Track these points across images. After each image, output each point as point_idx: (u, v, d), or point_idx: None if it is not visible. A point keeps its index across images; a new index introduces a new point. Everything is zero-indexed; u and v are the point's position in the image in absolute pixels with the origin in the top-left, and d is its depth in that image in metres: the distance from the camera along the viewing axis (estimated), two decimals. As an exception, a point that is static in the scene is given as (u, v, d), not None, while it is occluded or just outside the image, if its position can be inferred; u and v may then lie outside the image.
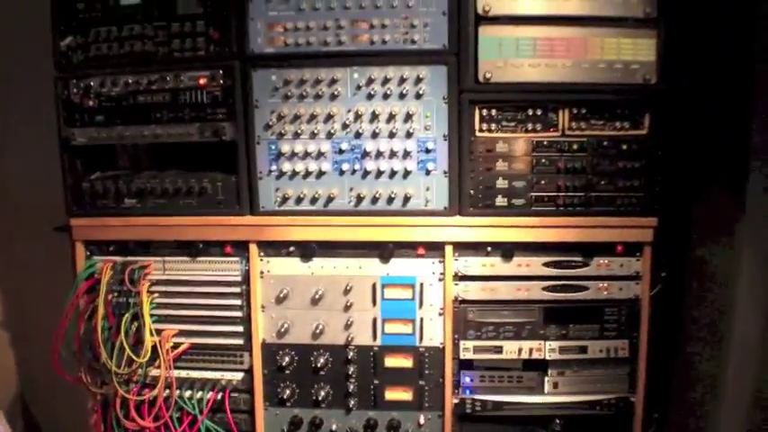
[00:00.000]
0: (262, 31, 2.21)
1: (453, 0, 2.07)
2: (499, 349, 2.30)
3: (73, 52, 2.34)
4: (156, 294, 2.39)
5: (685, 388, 2.43)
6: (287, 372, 2.33)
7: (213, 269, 2.35)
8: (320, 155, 2.23)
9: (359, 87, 2.17)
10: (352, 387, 2.30)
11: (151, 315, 2.35)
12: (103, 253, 2.43)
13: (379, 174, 2.22)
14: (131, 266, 2.35)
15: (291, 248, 2.29)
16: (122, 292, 2.36)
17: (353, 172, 2.23)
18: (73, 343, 2.37)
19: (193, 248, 2.34)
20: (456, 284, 2.24)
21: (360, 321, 2.29)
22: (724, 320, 2.24)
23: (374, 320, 2.28)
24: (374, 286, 2.27)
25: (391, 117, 2.17)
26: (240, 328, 2.35)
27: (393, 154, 2.19)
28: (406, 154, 2.19)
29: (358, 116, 2.18)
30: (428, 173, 2.21)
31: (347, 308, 2.30)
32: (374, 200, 2.23)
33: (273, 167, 2.25)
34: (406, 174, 2.21)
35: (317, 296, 2.29)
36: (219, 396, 2.35)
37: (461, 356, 2.26)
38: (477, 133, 2.20)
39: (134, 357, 2.29)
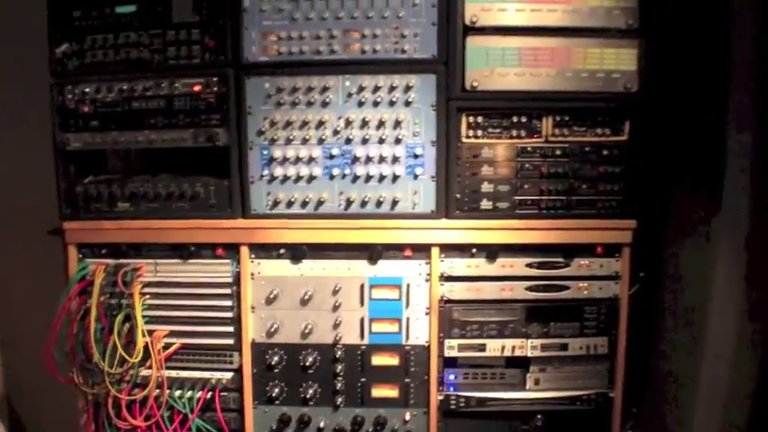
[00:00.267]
0: (256, 40, 2.32)
1: (442, 11, 2.20)
2: (483, 347, 2.42)
3: (68, 59, 2.43)
4: (148, 296, 2.49)
5: (662, 383, 2.58)
6: (276, 371, 2.41)
7: (204, 271, 2.43)
8: (311, 160, 2.33)
9: (350, 95, 2.28)
10: (339, 385, 2.40)
11: (143, 316, 2.44)
12: (96, 255, 2.52)
13: (369, 178, 2.32)
14: (124, 269, 2.45)
15: (282, 250, 2.38)
16: (115, 294, 2.45)
17: (343, 176, 2.33)
18: (65, 344, 2.46)
19: (185, 251, 2.42)
20: (442, 285, 2.35)
21: (348, 321, 2.39)
22: (700, 317, 2.38)
23: (362, 320, 2.38)
24: (362, 287, 2.36)
25: (381, 124, 2.28)
26: (230, 329, 2.43)
27: (382, 159, 2.30)
28: (395, 159, 2.30)
29: (349, 123, 2.29)
30: (416, 177, 2.32)
31: (336, 308, 2.39)
32: (363, 203, 2.33)
33: (265, 172, 2.34)
34: (395, 178, 2.32)
35: (306, 297, 2.38)
36: (210, 395, 2.43)
37: (446, 354, 2.37)
38: (464, 139, 2.33)
39: (127, 357, 2.39)
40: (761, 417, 2.19)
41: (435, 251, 2.33)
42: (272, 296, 2.42)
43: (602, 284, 2.42)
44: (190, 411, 2.47)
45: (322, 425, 2.43)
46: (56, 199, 2.52)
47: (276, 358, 2.47)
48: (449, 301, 2.39)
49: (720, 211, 2.27)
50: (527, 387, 2.46)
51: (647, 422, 2.67)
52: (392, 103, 2.28)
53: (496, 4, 2.30)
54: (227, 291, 2.47)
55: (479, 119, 2.35)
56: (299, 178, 2.37)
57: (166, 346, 2.48)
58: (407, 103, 2.27)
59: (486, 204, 2.36)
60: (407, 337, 2.40)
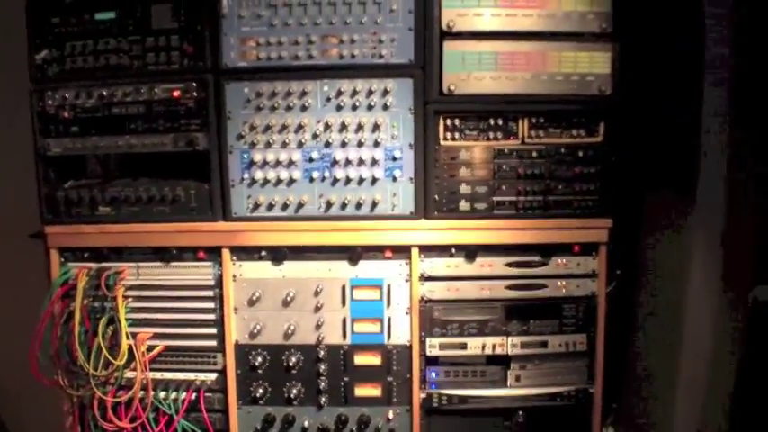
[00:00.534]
0: (235, 46, 2.42)
1: (419, 17, 2.30)
2: (464, 345, 2.52)
3: (48, 65, 2.52)
4: (131, 299, 2.60)
5: (641, 380, 2.71)
6: (259, 371, 2.50)
7: (187, 274, 2.52)
8: (291, 163, 2.42)
9: (328, 99, 2.38)
10: (323, 385, 2.49)
11: (126, 319, 2.55)
12: (78, 259, 2.62)
13: (348, 181, 2.42)
14: (107, 272, 2.55)
15: (263, 253, 2.47)
16: (98, 297, 2.55)
17: (323, 179, 2.43)
18: (49, 347, 2.57)
19: (167, 254, 2.51)
20: (422, 285, 2.45)
21: (330, 321, 2.49)
22: (676, 314, 2.50)
23: (344, 320, 2.48)
24: (343, 288, 2.46)
25: (359, 127, 2.38)
26: (213, 330, 2.52)
27: (361, 162, 2.40)
28: (374, 162, 2.39)
29: (327, 126, 2.38)
30: (395, 179, 2.42)
31: (317, 309, 2.49)
32: (343, 205, 2.43)
33: (245, 176, 2.44)
34: (374, 181, 2.42)
35: (288, 298, 2.47)
36: (194, 396, 2.52)
37: (428, 353, 2.48)
38: (442, 142, 2.44)
39: (112, 360, 2.49)
40: (739, 412, 2.32)
41: (415, 252, 2.43)
42: (254, 298, 2.51)
43: (580, 282, 2.54)
44: (175, 412, 2.57)
45: (306, 424, 2.52)
46: (36, 203, 2.63)
47: (260, 359, 2.58)
48: (429, 300, 2.49)
49: (695, 208, 2.38)
50: (508, 384, 2.57)
51: (627, 418, 2.81)
52: (370, 107, 2.37)
53: (472, 9, 2.41)
54: (210, 293, 2.57)
55: (456, 122, 2.47)
56: (279, 181, 2.45)
57: (150, 349, 2.58)
58: (385, 107, 2.36)
59: (464, 205, 2.47)
60: (389, 337, 2.49)
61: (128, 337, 2.53)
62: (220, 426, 2.55)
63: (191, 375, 2.59)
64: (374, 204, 2.43)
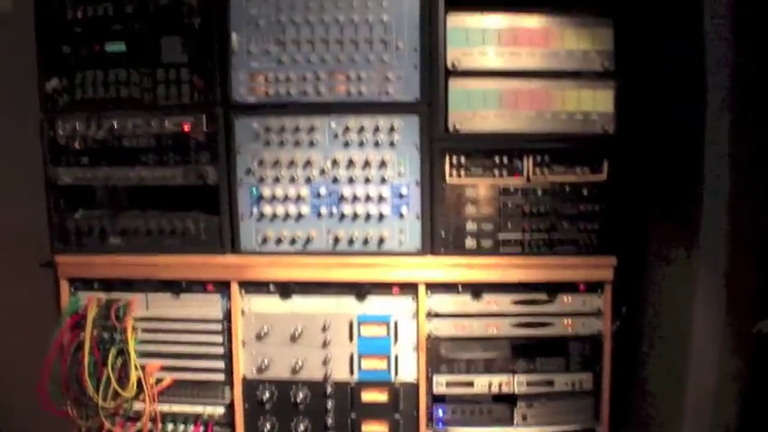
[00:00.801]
0: (244, 81, 2.51)
1: (425, 55, 2.39)
2: (470, 383, 2.56)
3: (58, 95, 2.63)
4: (140, 330, 2.69)
5: (647, 417, 2.78)
6: (267, 406, 2.55)
7: (195, 306, 2.59)
8: (299, 198, 2.51)
9: (336, 136, 2.47)
10: (330, 421, 2.51)
11: (135, 350, 2.64)
12: (88, 289, 2.72)
13: (356, 217, 2.50)
14: (117, 303, 2.65)
15: (271, 287, 2.52)
16: (107, 328, 2.64)
17: (331, 215, 2.51)
18: (58, 376, 2.65)
19: (176, 286, 2.57)
20: (429, 322, 2.49)
21: (337, 357, 2.53)
22: (681, 351, 2.56)
23: (351, 356, 2.53)
24: (351, 324, 2.51)
25: (366, 164, 2.47)
26: (221, 364, 2.57)
27: (368, 198, 2.47)
28: (381, 198, 2.47)
29: (335, 163, 2.47)
30: (401, 216, 2.50)
31: (325, 344, 2.53)
32: (350, 241, 2.52)
33: (254, 210, 2.54)
34: (381, 217, 2.50)
35: (296, 333, 2.53)
36: (202, 429, 2.56)
37: (435, 391, 2.51)
38: (448, 179, 2.53)
39: (120, 392, 2.57)
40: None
41: (422, 289, 2.47)
42: (262, 332, 2.56)
43: (586, 321, 2.61)
44: (182, 445, 2.59)
45: (312, 460, 2.60)
46: (42, 230, 2.75)
47: (267, 394, 2.63)
48: (436, 337, 2.52)
49: (699, 243, 2.45)
50: (515, 423, 2.62)
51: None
52: (377, 144, 2.46)
53: (477, 48, 2.52)
54: (218, 326, 2.64)
55: (462, 159, 2.56)
56: (287, 216, 2.55)
57: (159, 381, 2.67)
58: (392, 144, 2.46)
59: (470, 243, 2.55)
60: (396, 374, 2.53)
61: (137, 369, 2.61)
62: (228, 460, 2.60)
63: (198, 408, 2.63)
64: (381, 241, 2.52)
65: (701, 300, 2.47)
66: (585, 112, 2.49)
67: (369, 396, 2.57)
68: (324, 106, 2.45)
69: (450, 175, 2.52)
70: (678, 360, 2.54)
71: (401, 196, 2.47)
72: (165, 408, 2.68)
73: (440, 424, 2.65)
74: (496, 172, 2.49)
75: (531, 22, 2.53)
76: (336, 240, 2.52)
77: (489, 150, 2.46)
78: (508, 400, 2.65)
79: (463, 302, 2.62)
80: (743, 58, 2.25)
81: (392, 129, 2.44)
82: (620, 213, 2.58)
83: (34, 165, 2.74)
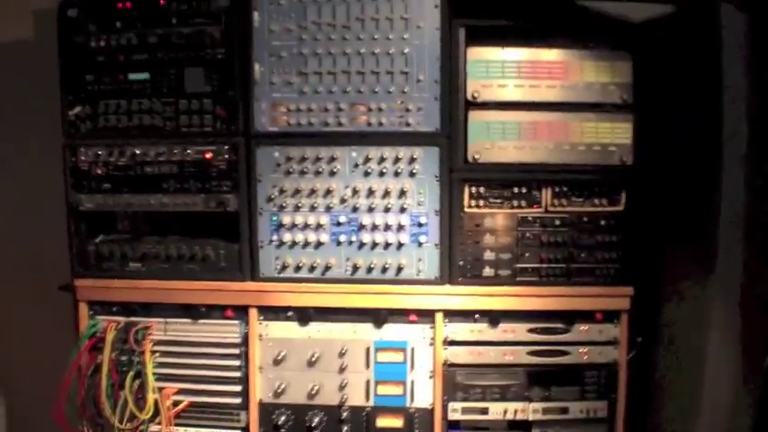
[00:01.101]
0: (266, 111, 2.58)
1: (445, 87, 2.48)
2: (485, 410, 2.62)
3: (81, 121, 2.71)
4: (158, 354, 2.75)
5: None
6: (282, 430, 2.60)
7: (214, 331, 2.67)
8: (319, 227, 2.59)
9: (356, 165, 2.55)
10: None
11: (153, 373, 2.70)
12: (106, 313, 2.79)
13: (375, 245, 2.57)
14: (135, 327, 2.72)
15: (289, 313, 2.61)
16: (125, 351, 2.71)
17: (350, 243, 2.58)
18: (75, 398, 2.72)
19: (195, 311, 2.67)
20: (445, 349, 2.58)
21: (353, 383, 2.60)
22: (695, 380, 2.63)
23: (367, 382, 2.59)
24: (368, 350, 2.59)
25: (386, 193, 2.54)
26: (238, 388, 2.66)
27: (387, 227, 2.55)
28: (400, 227, 2.55)
29: (355, 192, 2.55)
30: (420, 245, 2.58)
31: (342, 370, 2.61)
32: (369, 269, 2.59)
33: (274, 237, 2.62)
34: (400, 246, 2.58)
35: (313, 358, 2.60)
36: None
37: (450, 417, 2.57)
38: (467, 209, 2.60)
39: (138, 414, 2.65)
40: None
41: (439, 316, 2.56)
42: (279, 357, 2.63)
43: (602, 350, 2.67)
44: (198, 469, 2.66)
45: (328, 485, 2.69)
46: (62, 254, 2.83)
47: (283, 418, 2.71)
48: (452, 364, 2.61)
49: (714, 273, 2.52)
50: (529, 450, 2.64)
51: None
52: (397, 174, 2.54)
53: (497, 80, 2.61)
54: (236, 351, 2.71)
55: (481, 189, 2.62)
56: (306, 244, 2.62)
57: (176, 404, 2.74)
58: (412, 174, 2.53)
59: (488, 272, 2.62)
60: (412, 400, 2.61)
61: (154, 392, 2.67)
62: (243, 484, 2.67)
63: (214, 432, 2.64)
64: (400, 269, 2.58)
65: (715, 330, 2.55)
66: (604, 143, 2.56)
67: (384, 421, 2.64)
68: (345, 136, 2.53)
69: (469, 204, 2.59)
70: (692, 390, 2.62)
71: (420, 225, 2.54)
72: (181, 430, 2.78)
73: (455, 450, 2.67)
74: (515, 202, 2.56)
75: (551, 55, 2.60)
76: (355, 268, 2.59)
77: (508, 181, 2.53)
78: (523, 427, 2.70)
79: (480, 330, 2.69)
80: (758, 93, 2.30)
81: (412, 159, 2.51)
82: (637, 244, 2.66)
83: (54, 190, 2.82)
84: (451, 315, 2.59)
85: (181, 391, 2.75)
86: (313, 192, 2.56)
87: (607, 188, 2.61)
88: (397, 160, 2.53)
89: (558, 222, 2.60)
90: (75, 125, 2.61)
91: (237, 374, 2.73)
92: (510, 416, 2.69)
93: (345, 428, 2.61)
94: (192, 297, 2.71)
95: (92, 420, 2.73)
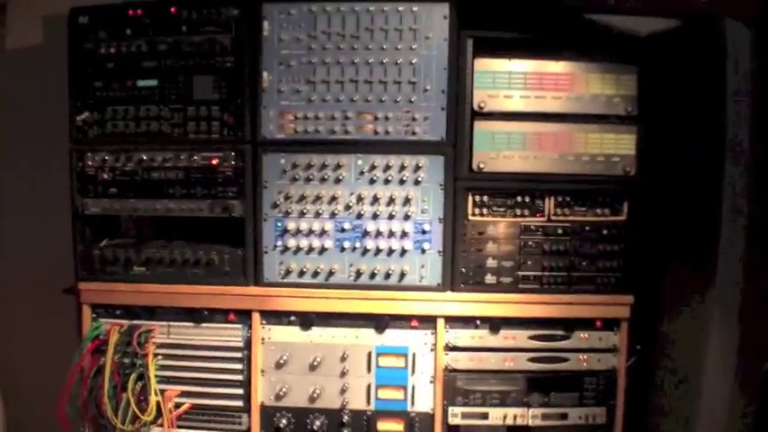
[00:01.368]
0: (273, 119, 2.60)
1: (451, 97, 2.52)
2: (486, 416, 2.65)
3: (89, 127, 2.72)
4: (160, 356, 2.77)
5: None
6: None
7: (216, 335, 2.68)
8: (323, 233, 2.61)
9: (362, 173, 2.58)
10: None
11: (155, 376, 2.71)
12: (109, 316, 2.80)
13: (378, 251, 2.60)
14: (138, 330, 2.73)
15: (292, 318, 2.64)
16: (127, 353, 2.73)
17: (354, 249, 2.61)
18: (77, 399, 2.73)
19: (198, 315, 2.68)
20: (446, 354, 2.61)
21: (355, 387, 2.63)
22: (693, 390, 2.69)
23: (368, 386, 2.62)
24: (369, 355, 2.62)
25: (391, 201, 2.58)
26: (240, 391, 2.67)
27: (391, 234, 2.58)
28: (404, 234, 2.58)
29: (360, 199, 2.58)
30: (423, 252, 2.61)
31: (343, 374, 2.63)
32: (372, 275, 2.60)
33: (279, 243, 2.64)
34: (403, 252, 2.60)
35: (314, 362, 2.63)
36: None
37: (450, 422, 2.61)
38: (470, 217, 2.64)
39: (140, 415, 2.67)
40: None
41: (441, 322, 2.60)
42: (281, 361, 2.65)
43: (601, 357, 2.71)
44: (200, 470, 2.68)
45: (328, 488, 2.75)
46: (65, 258, 2.84)
47: (284, 421, 2.73)
48: (453, 370, 2.65)
49: (714, 285, 2.57)
50: (528, 455, 2.67)
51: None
52: (402, 182, 2.57)
53: (503, 91, 2.64)
54: (238, 354, 2.72)
55: (485, 198, 2.66)
56: (311, 249, 2.64)
57: (178, 406, 2.76)
58: (417, 182, 2.56)
59: (490, 279, 2.65)
60: (412, 404, 2.64)
61: (156, 394, 2.69)
62: (244, 486, 2.70)
63: (216, 434, 2.67)
64: (402, 275, 2.61)
65: (714, 340, 2.60)
66: (608, 154, 2.60)
67: (385, 425, 2.66)
68: (351, 144, 2.56)
69: (473, 213, 2.63)
70: (690, 398, 2.68)
71: (424, 232, 2.57)
72: (183, 433, 2.70)
73: (454, 455, 2.70)
74: (518, 211, 2.61)
75: (557, 67, 2.64)
76: (358, 274, 2.61)
77: (512, 190, 2.58)
78: (522, 432, 2.67)
79: (481, 336, 2.72)
80: (762, 107, 2.35)
81: (417, 167, 2.54)
82: (638, 253, 2.69)
83: (59, 193, 2.84)
84: (453, 321, 2.61)
85: (183, 394, 2.76)
86: (318, 198, 2.58)
87: (610, 198, 2.65)
88: (402, 168, 2.56)
89: (560, 231, 2.64)
90: (82, 130, 2.62)
91: (239, 378, 2.74)
92: (510, 421, 2.72)
93: (346, 432, 2.59)
94: (195, 301, 2.72)
95: (93, 421, 2.74)
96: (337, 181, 2.57)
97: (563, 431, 2.73)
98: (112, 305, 2.78)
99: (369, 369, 2.66)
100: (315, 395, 2.67)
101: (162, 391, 2.72)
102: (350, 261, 2.63)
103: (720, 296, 2.55)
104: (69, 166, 2.66)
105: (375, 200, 2.56)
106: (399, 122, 2.52)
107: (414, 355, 2.65)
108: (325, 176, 2.56)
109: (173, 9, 2.52)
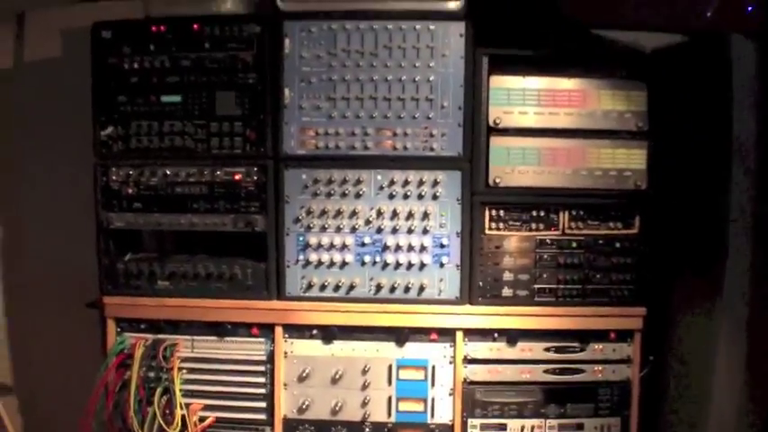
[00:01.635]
0: (295, 135, 2.62)
1: (468, 113, 2.53)
2: (504, 427, 2.64)
3: (113, 142, 2.73)
4: (185, 371, 2.77)
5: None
6: None
7: (240, 349, 2.68)
8: (344, 247, 2.62)
9: (381, 188, 2.58)
10: None
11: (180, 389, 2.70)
12: (134, 330, 2.81)
13: (398, 265, 2.61)
14: (164, 344, 2.74)
15: (314, 331, 2.63)
16: (152, 367, 2.74)
17: (374, 263, 2.61)
18: (101, 413, 2.73)
19: (222, 329, 2.72)
20: (465, 367, 2.61)
21: (376, 399, 2.62)
22: (703, 399, 2.69)
23: (389, 399, 2.62)
24: (390, 367, 2.61)
25: (410, 215, 2.58)
26: (263, 404, 2.67)
27: (411, 248, 2.59)
28: (423, 248, 2.59)
29: (380, 213, 2.59)
30: (442, 266, 2.61)
31: (364, 387, 2.62)
32: (392, 289, 2.61)
33: (301, 257, 2.64)
34: (422, 266, 2.61)
35: (336, 376, 2.62)
36: None
37: None
38: (487, 231, 2.66)
39: (166, 428, 2.65)
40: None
41: (459, 335, 2.59)
42: (304, 374, 2.64)
43: (615, 368, 2.72)
44: (224, 483, 2.69)
45: (350, 499, 2.75)
46: (85, 271, 2.87)
47: (306, 434, 2.70)
48: (472, 382, 2.64)
49: (722, 295, 2.58)
50: (545, 464, 2.68)
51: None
52: (420, 197, 2.58)
53: (517, 107, 2.66)
54: (261, 368, 2.73)
55: (501, 212, 2.68)
56: (332, 264, 2.64)
57: (201, 419, 2.75)
58: (435, 197, 2.57)
59: (507, 292, 2.65)
60: (432, 416, 2.63)
61: (181, 408, 2.69)
62: (267, 497, 2.70)
63: (239, 447, 2.68)
64: (422, 288, 2.62)
65: (722, 350, 2.62)
66: (620, 169, 2.64)
67: (405, 437, 2.63)
68: (371, 160, 2.56)
69: (490, 227, 2.67)
70: (700, 407, 2.70)
71: (442, 246, 2.58)
72: (207, 446, 2.72)
73: (473, 465, 2.71)
74: (533, 225, 2.61)
75: (570, 83, 2.67)
76: (379, 288, 2.61)
77: (527, 204, 2.58)
78: (540, 443, 2.69)
79: (499, 349, 2.73)
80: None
81: (435, 182, 2.54)
82: (650, 265, 2.70)
83: (79, 208, 2.86)
84: (471, 334, 2.61)
85: (207, 407, 2.77)
86: (339, 213, 2.58)
87: (622, 212, 2.68)
88: (420, 183, 2.57)
89: (574, 245, 2.66)
90: (106, 145, 2.61)
91: (263, 391, 2.76)
92: (527, 432, 2.64)
93: (367, 444, 2.62)
94: (218, 315, 2.74)
95: (118, 436, 2.65)
96: (357, 196, 2.57)
97: (579, 441, 2.66)
98: (137, 319, 2.79)
99: (389, 382, 2.64)
100: (337, 408, 2.66)
101: (186, 405, 2.71)
102: (370, 275, 2.63)
103: (728, 307, 2.57)
104: (94, 180, 2.71)
105: (394, 214, 2.56)
106: (417, 138, 2.52)
107: (433, 368, 2.64)
108: (346, 192, 2.56)
109: (196, 26, 2.53)
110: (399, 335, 2.62)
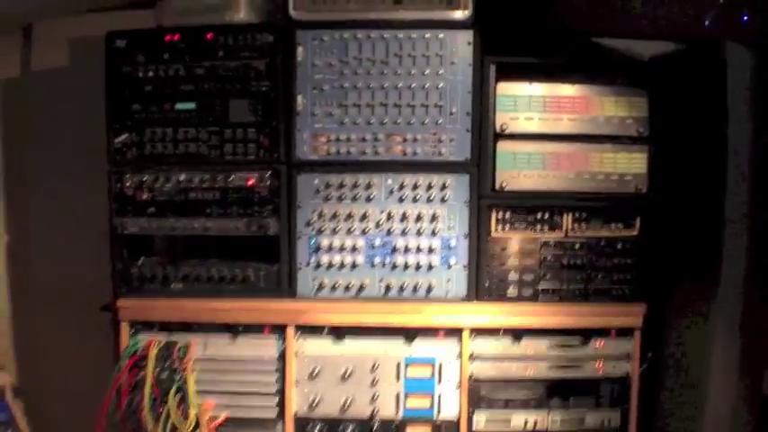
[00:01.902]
0: (307, 141, 2.63)
1: (475, 119, 2.55)
2: (508, 421, 2.75)
3: (127, 149, 2.75)
4: (198, 370, 2.78)
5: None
6: None
7: (252, 348, 2.76)
8: (354, 249, 2.63)
9: (391, 192, 2.59)
10: None
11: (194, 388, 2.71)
12: (147, 331, 2.83)
13: (407, 266, 2.61)
14: (177, 345, 2.75)
15: (325, 330, 2.61)
16: (165, 368, 2.76)
17: (384, 264, 2.62)
18: (114, 414, 2.75)
19: (235, 329, 2.77)
20: (471, 363, 2.60)
21: (384, 396, 2.61)
22: (699, 397, 2.75)
23: (397, 395, 2.62)
24: (398, 365, 2.61)
25: (419, 218, 2.59)
26: (274, 402, 2.67)
27: (419, 249, 2.59)
28: (431, 250, 2.60)
29: (390, 216, 2.60)
30: (449, 266, 2.63)
31: (373, 384, 2.62)
32: (401, 289, 2.63)
33: (312, 259, 2.65)
34: (430, 267, 2.63)
35: (346, 373, 2.61)
36: None
37: (474, 427, 2.61)
38: (493, 233, 2.71)
39: (181, 428, 2.65)
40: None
41: (466, 333, 2.58)
42: (314, 372, 2.64)
43: (616, 364, 2.76)
44: (236, 479, 2.71)
45: (360, 493, 2.79)
46: (95, 276, 2.89)
47: (317, 430, 2.77)
48: (477, 378, 2.74)
49: (716, 297, 2.64)
50: (549, 456, 2.74)
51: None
52: (429, 200, 2.59)
53: (523, 113, 2.70)
54: (273, 366, 2.79)
55: (507, 215, 2.73)
56: (342, 265, 2.65)
57: (214, 417, 2.78)
58: (443, 200, 2.59)
59: (512, 291, 2.69)
60: (439, 412, 2.63)
61: (195, 407, 2.71)
62: (279, 492, 2.73)
63: (251, 444, 2.71)
64: (430, 288, 2.63)
65: (717, 349, 2.68)
66: (621, 173, 2.69)
67: (413, 432, 2.66)
68: (381, 165, 2.57)
69: (496, 229, 2.73)
70: (696, 403, 2.76)
71: (450, 248, 2.60)
72: (219, 443, 2.75)
73: (478, 458, 2.76)
74: (538, 227, 2.64)
75: (573, 91, 2.71)
76: (388, 288, 2.63)
77: (532, 207, 2.61)
78: (543, 436, 2.74)
79: (504, 346, 2.76)
80: (762, 126, 2.46)
81: (444, 186, 2.56)
82: (650, 266, 2.76)
83: (91, 213, 2.88)
84: (477, 332, 2.61)
85: (219, 405, 2.80)
86: (350, 216, 2.60)
87: (623, 214, 2.73)
88: (429, 187, 2.59)
89: (577, 246, 2.72)
90: (120, 152, 2.61)
91: (274, 389, 2.80)
92: (531, 426, 2.77)
93: (376, 439, 2.66)
94: (232, 316, 2.76)
95: (131, 435, 2.67)
96: (368, 200, 2.59)
97: (581, 434, 2.72)
98: (150, 321, 2.80)
99: (398, 378, 2.64)
100: (346, 405, 2.65)
101: (200, 404, 2.72)
102: (380, 276, 2.64)
103: (722, 308, 2.63)
104: (108, 186, 2.73)
105: (404, 217, 2.58)
106: (427, 144, 2.54)
107: (440, 365, 2.65)
108: (357, 195, 2.58)
109: (209, 35, 2.54)
110: (408, 333, 2.59)
